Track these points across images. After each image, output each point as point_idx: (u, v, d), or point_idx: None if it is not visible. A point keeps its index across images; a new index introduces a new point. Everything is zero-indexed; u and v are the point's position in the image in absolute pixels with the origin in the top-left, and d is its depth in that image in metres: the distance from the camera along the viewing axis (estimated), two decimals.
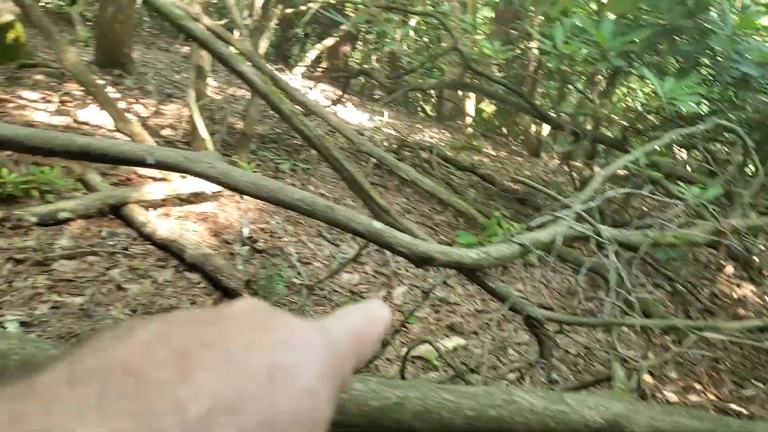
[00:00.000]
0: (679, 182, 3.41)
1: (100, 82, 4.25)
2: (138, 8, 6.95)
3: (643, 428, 1.09)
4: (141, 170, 3.58)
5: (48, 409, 0.20)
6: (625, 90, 7.11)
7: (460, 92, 8.95)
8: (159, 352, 0.23)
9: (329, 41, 8.65)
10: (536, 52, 7.24)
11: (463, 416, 0.89)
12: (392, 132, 7.50)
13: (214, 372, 0.22)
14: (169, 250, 2.92)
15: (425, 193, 4.67)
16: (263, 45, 5.04)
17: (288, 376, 0.24)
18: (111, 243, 2.88)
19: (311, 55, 8.76)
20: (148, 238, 2.98)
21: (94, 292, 2.52)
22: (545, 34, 4.21)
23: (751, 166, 3.71)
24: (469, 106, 8.39)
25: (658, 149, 2.82)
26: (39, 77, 4.76)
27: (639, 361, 1.84)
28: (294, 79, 7.70)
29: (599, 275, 3.22)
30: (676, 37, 3.81)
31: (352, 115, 7.63)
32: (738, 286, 4.57)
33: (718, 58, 3.81)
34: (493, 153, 8.03)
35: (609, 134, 5.44)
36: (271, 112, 6.14)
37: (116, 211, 3.07)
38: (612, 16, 4.17)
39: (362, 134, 5.55)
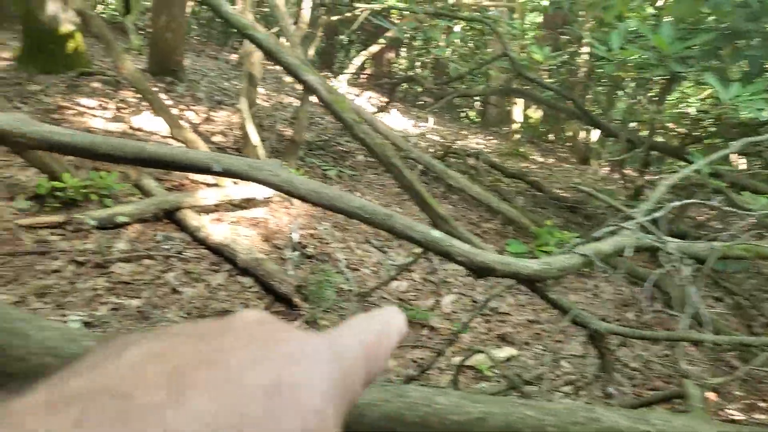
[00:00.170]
0: (743, 192, 3.27)
1: (154, 89, 4.37)
2: (186, 17, 7.12)
3: None
4: (193, 175, 3.65)
5: None
6: (678, 96, 6.89)
7: (506, 98, 8.85)
8: (151, 371, 0.21)
9: (374, 48, 8.69)
10: (586, 57, 7.10)
11: None
12: (437, 138, 7.48)
13: (211, 393, 0.21)
14: (222, 254, 2.97)
15: (472, 200, 4.62)
16: (310, 53, 5.10)
17: (292, 395, 0.22)
18: (166, 247, 2.94)
19: (356, 61, 8.81)
20: (201, 242, 3.04)
21: (150, 294, 2.57)
22: (597, 38, 4.12)
23: None
24: (517, 112, 8.28)
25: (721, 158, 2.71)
26: (96, 85, 4.92)
27: (706, 378, 1.76)
28: (339, 86, 7.76)
29: (656, 287, 3.12)
30: (738, 42, 3.67)
31: (396, 121, 7.64)
32: None
33: None
34: (541, 159, 7.92)
35: (663, 141, 5.28)
36: (317, 119, 6.23)
37: (170, 216, 3.14)
38: (670, 19, 4.05)
39: (408, 141, 5.55)
